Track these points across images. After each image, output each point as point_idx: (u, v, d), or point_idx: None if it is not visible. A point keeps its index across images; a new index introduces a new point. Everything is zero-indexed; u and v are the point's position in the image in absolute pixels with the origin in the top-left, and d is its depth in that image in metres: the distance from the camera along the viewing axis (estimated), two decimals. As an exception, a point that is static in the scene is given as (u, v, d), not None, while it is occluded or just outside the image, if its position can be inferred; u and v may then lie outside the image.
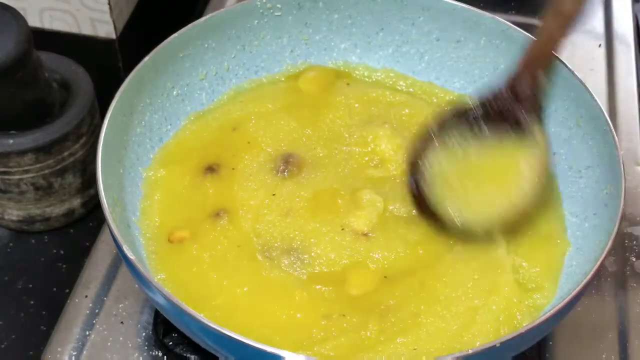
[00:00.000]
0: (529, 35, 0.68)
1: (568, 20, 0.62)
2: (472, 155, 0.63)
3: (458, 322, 0.57)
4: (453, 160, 0.63)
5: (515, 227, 0.62)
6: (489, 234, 0.61)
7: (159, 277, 0.59)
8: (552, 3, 0.62)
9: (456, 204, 0.62)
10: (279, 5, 0.71)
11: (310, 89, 0.73)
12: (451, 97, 0.73)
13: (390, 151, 0.67)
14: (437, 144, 0.63)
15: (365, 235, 0.62)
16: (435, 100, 0.73)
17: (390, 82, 0.74)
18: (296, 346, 0.55)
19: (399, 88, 0.74)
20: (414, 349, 0.55)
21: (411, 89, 0.74)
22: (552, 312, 0.52)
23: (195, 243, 0.61)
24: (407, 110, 0.71)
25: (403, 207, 0.64)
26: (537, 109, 0.63)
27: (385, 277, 0.60)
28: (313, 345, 0.55)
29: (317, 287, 0.59)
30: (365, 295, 0.59)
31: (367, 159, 0.67)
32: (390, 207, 0.64)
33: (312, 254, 0.60)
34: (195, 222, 0.62)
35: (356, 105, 0.71)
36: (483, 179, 0.62)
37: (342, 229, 0.62)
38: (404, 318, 0.57)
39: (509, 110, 0.62)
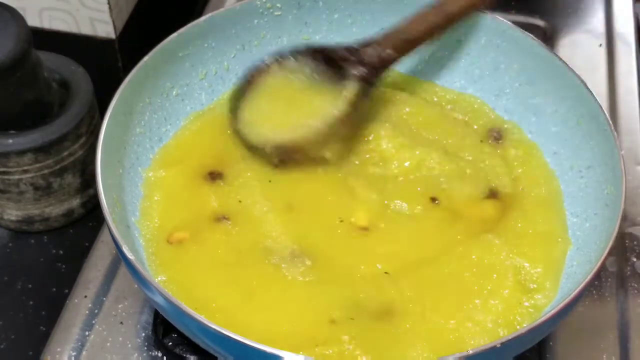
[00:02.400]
0: (529, 35, 0.68)
1: (448, 22, 0.66)
2: (297, 83, 0.67)
3: (458, 323, 0.57)
4: (280, 83, 0.67)
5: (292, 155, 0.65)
6: (266, 153, 0.65)
7: (159, 278, 0.59)
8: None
9: (257, 122, 0.66)
10: (278, 5, 0.71)
11: None
12: (452, 95, 0.73)
13: (391, 149, 0.67)
14: (278, 66, 0.67)
15: (367, 230, 0.62)
16: (435, 99, 0.73)
17: (391, 82, 0.74)
18: (299, 348, 0.54)
19: (400, 87, 0.74)
20: (417, 351, 0.55)
21: (411, 88, 0.74)
22: (552, 312, 0.52)
23: (195, 245, 0.61)
24: (407, 109, 0.70)
25: (404, 205, 0.64)
26: (370, 78, 0.66)
27: (386, 273, 0.60)
28: (315, 347, 0.55)
29: (320, 287, 0.59)
30: (368, 294, 0.59)
31: (368, 156, 0.67)
32: (391, 205, 0.64)
33: (315, 253, 0.60)
34: (196, 223, 0.62)
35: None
36: (291, 105, 0.66)
37: (344, 227, 0.62)
38: (406, 318, 0.57)
39: (347, 62, 0.66)
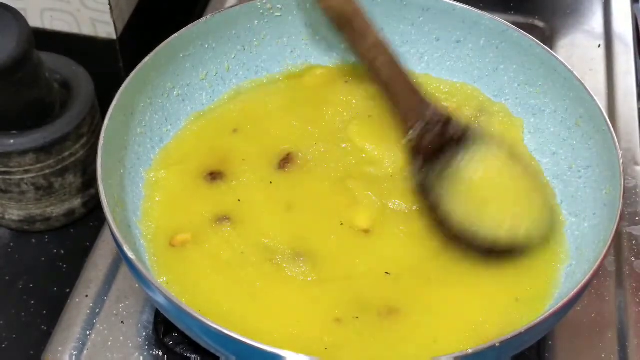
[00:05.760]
0: (529, 35, 0.68)
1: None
2: (466, 174, 0.62)
3: (458, 321, 0.57)
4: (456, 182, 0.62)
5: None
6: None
7: (161, 280, 0.59)
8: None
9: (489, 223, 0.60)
10: (279, 6, 0.71)
11: (317, 86, 0.73)
12: (448, 87, 0.73)
13: (375, 151, 0.67)
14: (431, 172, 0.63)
15: (368, 232, 0.62)
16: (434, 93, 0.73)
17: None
18: (307, 348, 0.55)
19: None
20: (423, 349, 0.56)
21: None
22: (551, 311, 0.52)
23: (197, 246, 0.61)
24: None
25: (403, 204, 0.64)
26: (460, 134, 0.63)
27: (387, 272, 0.60)
28: (323, 348, 0.55)
29: (323, 287, 0.59)
30: (371, 293, 0.59)
31: (364, 156, 0.67)
32: (390, 204, 0.64)
33: (316, 254, 0.60)
34: (197, 225, 0.62)
35: (353, 101, 0.71)
36: (494, 193, 0.62)
37: (345, 228, 0.62)
38: (411, 316, 0.58)
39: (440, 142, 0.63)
